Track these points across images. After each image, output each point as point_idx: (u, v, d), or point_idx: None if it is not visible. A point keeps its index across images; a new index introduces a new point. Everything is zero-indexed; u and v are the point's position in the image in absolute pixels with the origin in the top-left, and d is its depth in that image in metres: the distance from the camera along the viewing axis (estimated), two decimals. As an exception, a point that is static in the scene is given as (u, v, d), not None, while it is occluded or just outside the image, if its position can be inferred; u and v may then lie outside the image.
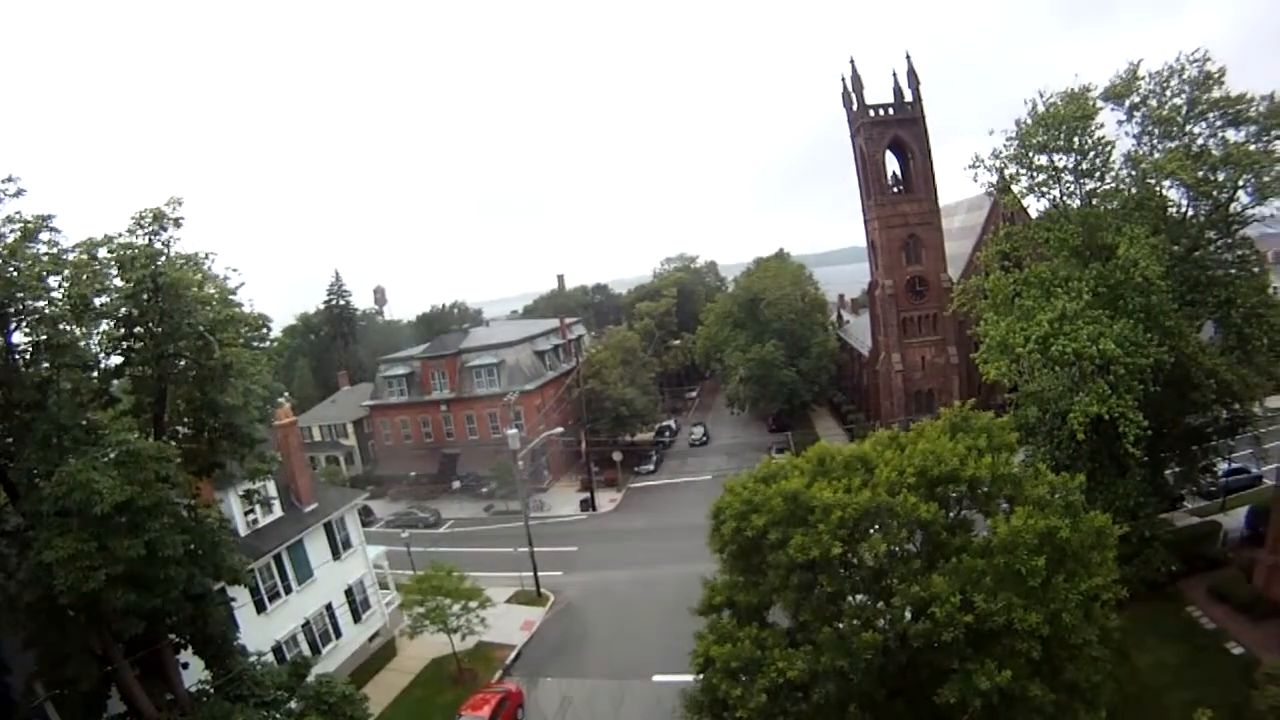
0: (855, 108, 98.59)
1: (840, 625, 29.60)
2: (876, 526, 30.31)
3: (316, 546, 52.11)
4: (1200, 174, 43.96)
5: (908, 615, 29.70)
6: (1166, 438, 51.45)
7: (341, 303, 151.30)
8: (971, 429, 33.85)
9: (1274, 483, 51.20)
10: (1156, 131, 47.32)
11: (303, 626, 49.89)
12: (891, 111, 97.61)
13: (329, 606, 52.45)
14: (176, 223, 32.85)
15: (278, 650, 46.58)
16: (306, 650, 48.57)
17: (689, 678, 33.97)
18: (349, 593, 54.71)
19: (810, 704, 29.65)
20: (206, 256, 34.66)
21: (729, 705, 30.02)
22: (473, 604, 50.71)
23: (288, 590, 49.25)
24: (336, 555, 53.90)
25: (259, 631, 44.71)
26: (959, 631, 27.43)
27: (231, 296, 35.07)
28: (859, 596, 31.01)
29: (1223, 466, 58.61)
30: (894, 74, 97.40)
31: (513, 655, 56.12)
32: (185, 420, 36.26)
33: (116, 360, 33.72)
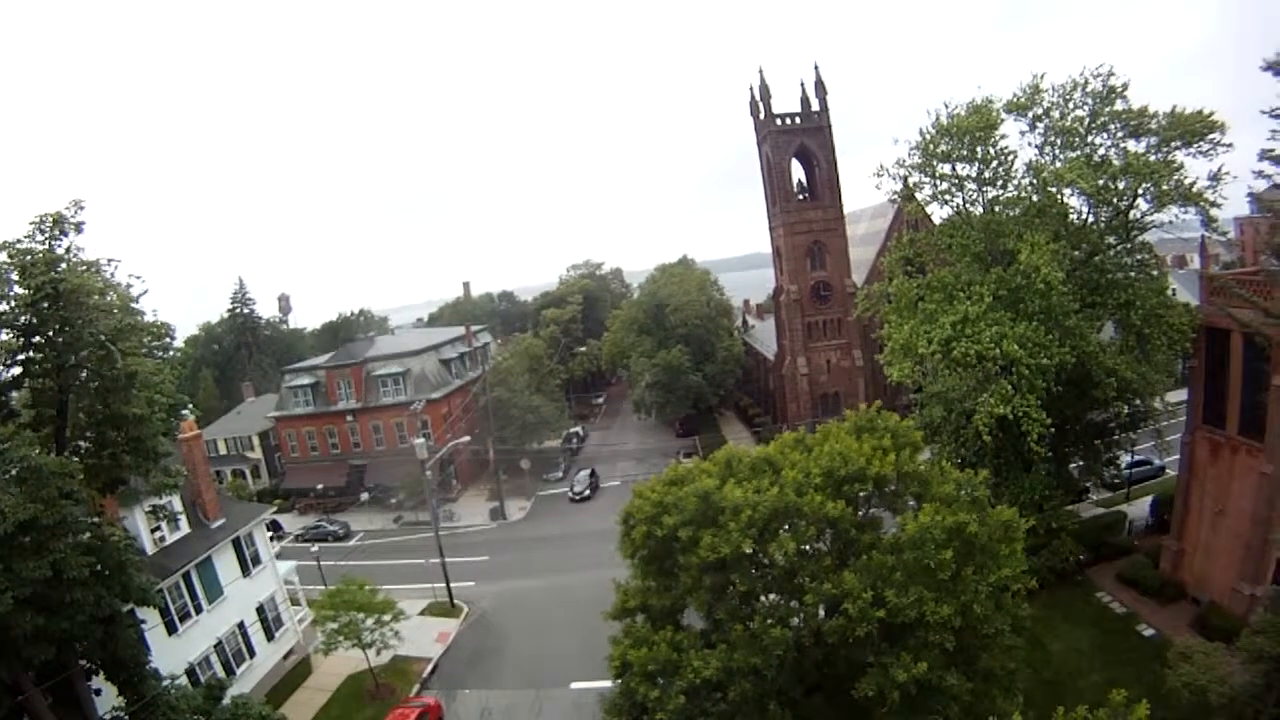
0: (763, 116, 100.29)
1: (753, 624, 29.71)
2: (786, 526, 30.60)
3: (226, 564, 50.42)
4: (1100, 183, 45.38)
5: (821, 612, 30.17)
6: (1070, 434, 53.34)
7: (245, 311, 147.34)
8: (877, 429, 34.46)
9: (1176, 473, 52.92)
10: (1058, 142, 48.95)
11: (215, 647, 48.21)
12: (798, 120, 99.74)
13: (241, 625, 50.85)
14: (78, 227, 31.77)
15: (191, 672, 45.12)
16: (221, 672, 47.36)
17: (607, 683, 33.85)
18: (261, 610, 52.99)
19: (728, 703, 29.58)
20: (109, 262, 33.59)
21: (648, 708, 29.84)
22: (386, 617, 49.88)
23: (198, 610, 47.51)
24: (246, 572, 52.18)
25: (171, 653, 43.04)
26: (872, 626, 27.83)
27: (133, 304, 34.07)
28: (771, 596, 31.29)
29: (1126, 459, 60.91)
30: (802, 84, 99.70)
31: (429, 668, 55.32)
32: (88, 434, 34.95)
33: (15, 372, 32.45)
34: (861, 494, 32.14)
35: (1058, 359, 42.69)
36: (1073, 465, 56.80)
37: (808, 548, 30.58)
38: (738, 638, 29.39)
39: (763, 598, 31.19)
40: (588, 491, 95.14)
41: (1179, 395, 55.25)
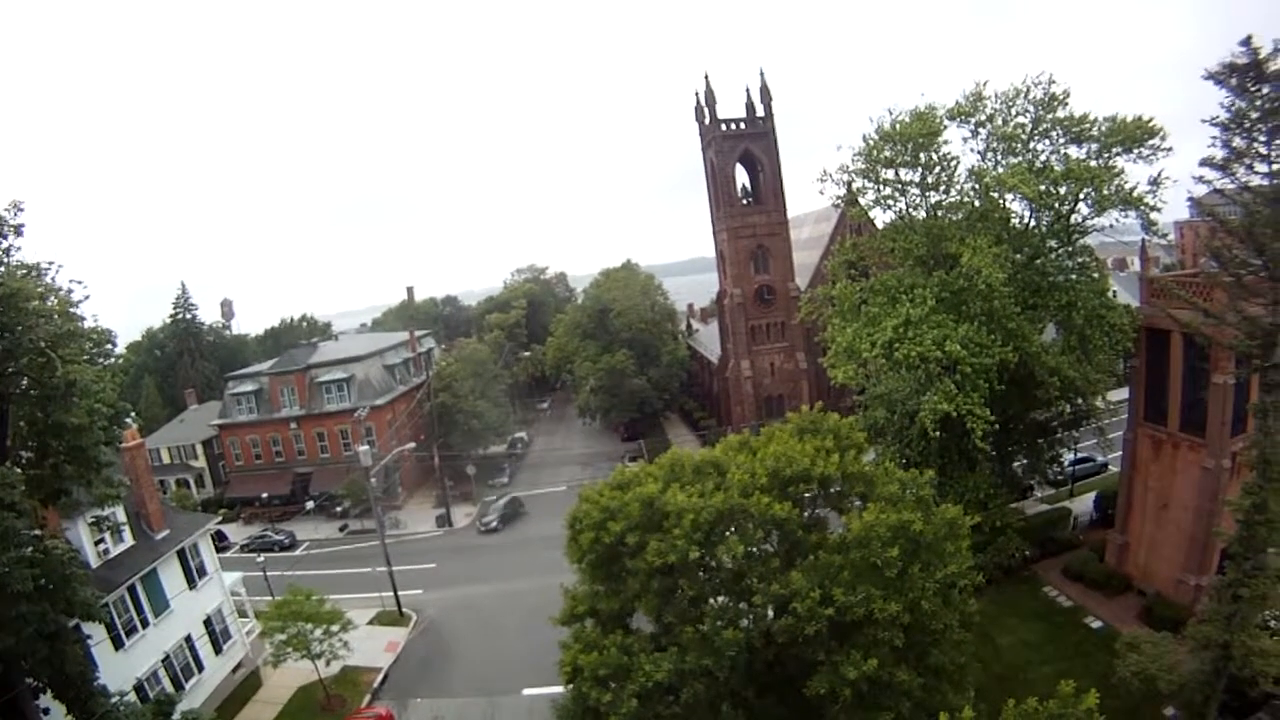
0: (708, 122, 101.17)
1: (703, 626, 29.77)
2: (733, 529, 30.67)
3: (171, 576, 49.26)
4: (1042, 188, 46.47)
5: (770, 613, 30.34)
6: (1014, 432, 54.26)
7: (188, 316, 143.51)
8: (821, 431, 34.76)
9: (1119, 469, 54.05)
10: (1000, 148, 49.91)
11: (163, 662, 47.14)
12: (743, 126, 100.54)
13: (189, 639, 49.79)
14: (17, 230, 31.05)
15: (140, 688, 43.96)
16: (169, 687, 46.45)
17: (559, 689, 33.64)
18: (208, 623, 51.94)
19: (681, 705, 29.69)
20: (49, 266, 32.94)
21: (600, 713, 29.76)
22: (334, 628, 49.07)
23: (145, 624, 46.33)
24: (192, 584, 51.13)
25: (119, 669, 41.89)
26: (822, 625, 27.95)
27: (74, 310, 33.41)
28: (720, 598, 31.32)
29: (1069, 457, 62.15)
30: (747, 90, 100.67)
31: (380, 678, 54.59)
32: (29, 443, 34.20)
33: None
34: (807, 495, 32.44)
35: (999, 358, 43.53)
36: (1017, 464, 58.08)
37: (755, 549, 30.72)
38: (688, 640, 29.42)
39: (712, 600, 31.22)
40: (496, 523, 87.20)
41: (1120, 394, 56.39)
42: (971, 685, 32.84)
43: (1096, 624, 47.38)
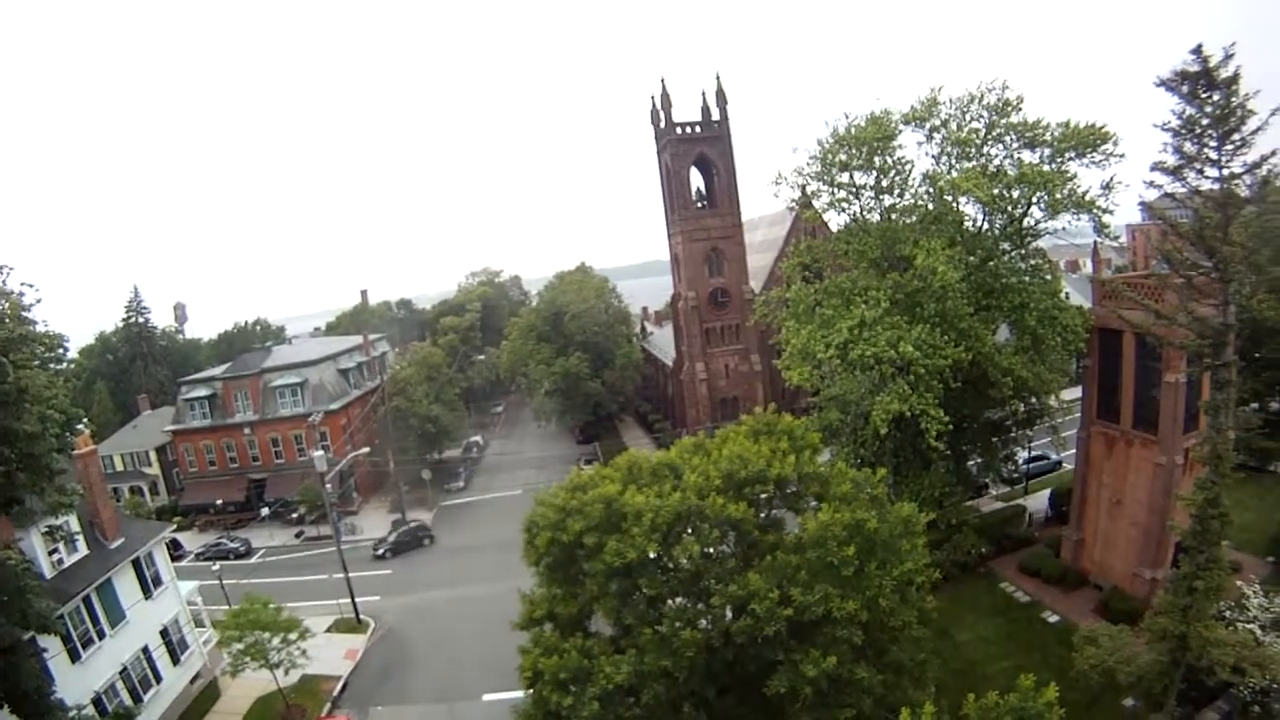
0: (663, 125, 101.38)
1: (662, 628, 29.91)
2: (689, 529, 30.85)
3: (126, 586, 48.26)
4: (996, 191, 47.13)
5: (728, 613, 30.38)
6: (968, 432, 55.02)
7: (141, 320, 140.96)
8: (775, 432, 35.18)
9: (1073, 467, 55.07)
10: (955, 152, 50.61)
11: (121, 674, 46.13)
12: (699, 129, 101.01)
13: (146, 650, 48.78)
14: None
15: (98, 701, 43.27)
16: (128, 699, 45.84)
17: (519, 693, 33.37)
18: (165, 633, 50.92)
19: (642, 707, 29.67)
20: (0, 269, 32.34)
21: (562, 717, 29.67)
22: (292, 636, 48.35)
23: (101, 635, 45.30)
24: (148, 594, 50.10)
25: (76, 682, 41.23)
26: (780, 625, 28.16)
27: (25, 314, 32.78)
28: (678, 599, 31.37)
29: (1023, 455, 62.94)
30: (703, 94, 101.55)
31: (339, 686, 54.00)
32: (-20, 451, 33.43)
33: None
34: (763, 495, 32.61)
35: (953, 358, 44.10)
36: (971, 462, 58.83)
37: (712, 550, 30.85)
38: (648, 642, 29.44)
39: (670, 601, 31.28)
40: (386, 552, 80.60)
41: (1073, 393, 57.40)
42: (931, 681, 33.40)
43: (1054, 618, 48.23)
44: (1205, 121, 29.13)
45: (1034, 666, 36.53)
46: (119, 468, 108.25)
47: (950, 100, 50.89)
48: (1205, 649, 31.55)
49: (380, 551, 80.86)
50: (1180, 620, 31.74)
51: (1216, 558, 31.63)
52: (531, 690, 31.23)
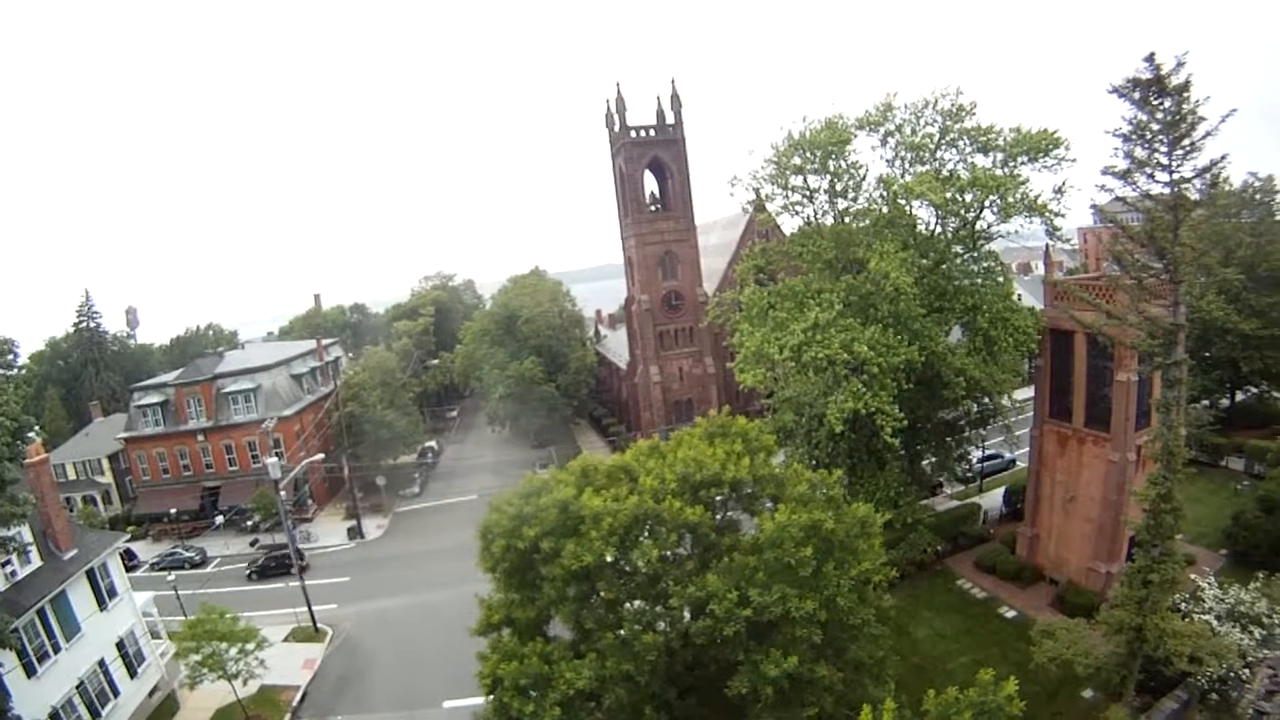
0: (617, 128, 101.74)
1: (622, 631, 29.96)
2: (646, 532, 30.94)
3: (81, 598, 47.09)
4: (949, 195, 47.71)
5: (687, 615, 30.61)
6: (922, 432, 55.86)
7: (92, 325, 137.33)
8: (730, 434, 35.32)
9: (1026, 465, 56.20)
10: (909, 156, 51.35)
11: (78, 688, 44.99)
12: (653, 133, 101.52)
13: (102, 663, 47.64)
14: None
15: (55, 717, 42.35)
16: (85, 715, 44.90)
17: (480, 700, 33.21)
18: (121, 646, 49.76)
19: (604, 711, 29.82)
20: None
21: (524, 722, 29.80)
22: (249, 646, 47.62)
23: (57, 649, 44.18)
24: (103, 605, 48.87)
25: (32, 698, 40.43)
26: (740, 625, 28.38)
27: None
28: (637, 602, 31.42)
29: (977, 454, 63.88)
30: (658, 98, 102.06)
31: (299, 696, 53.23)
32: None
33: None
34: (718, 498, 32.89)
35: (906, 358, 44.64)
36: (926, 462, 59.59)
37: (669, 553, 31.11)
38: (608, 645, 29.51)
39: (628, 604, 31.35)
40: (253, 572, 77.63)
41: (1026, 393, 58.45)
42: (891, 677, 33.73)
43: (1011, 613, 49.21)
44: (1156, 127, 29.98)
45: (993, 661, 37.33)
46: (71, 476, 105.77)
47: (906, 105, 51.65)
48: (1162, 640, 32.44)
49: (249, 572, 78.57)
50: (1136, 612, 32.64)
51: (1170, 551, 32.55)
52: (491, 696, 31.09)
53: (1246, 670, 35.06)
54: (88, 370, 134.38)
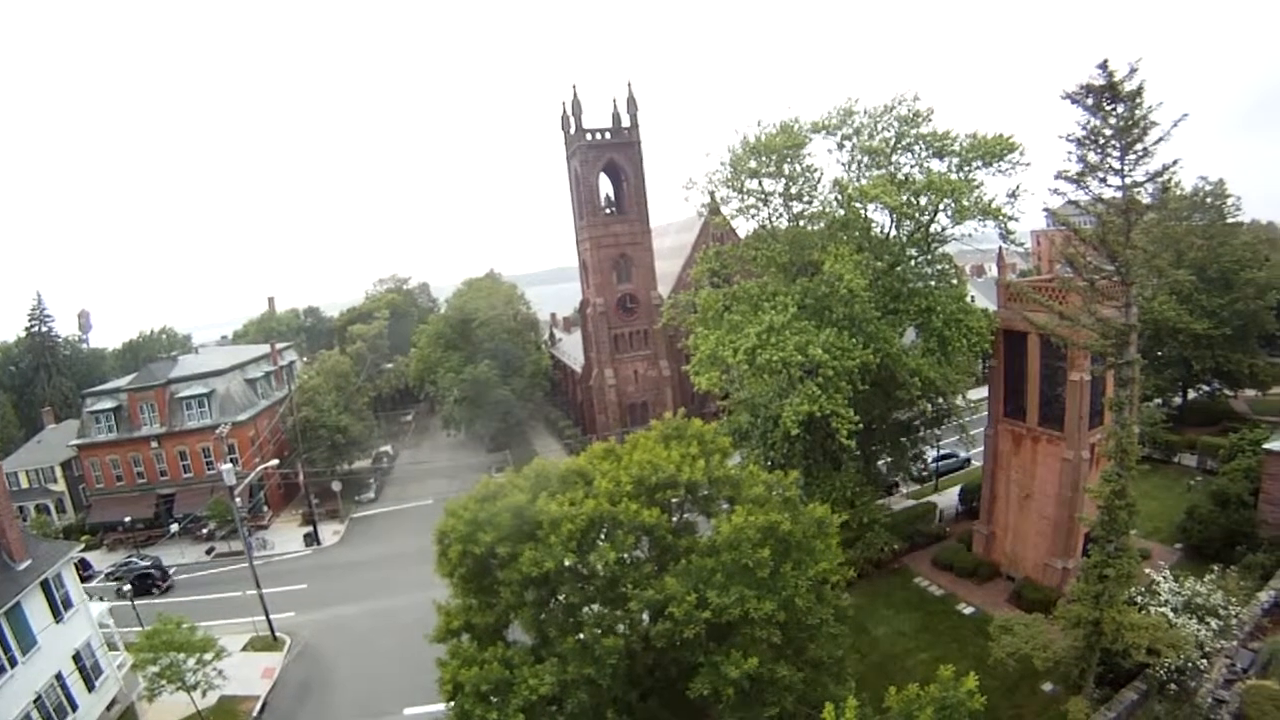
0: (573, 131, 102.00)
1: (583, 635, 30.15)
2: (604, 535, 31.18)
3: (36, 609, 46.08)
4: (904, 198, 48.48)
5: (646, 618, 30.95)
6: (877, 432, 56.70)
7: (44, 329, 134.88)
8: (685, 437, 35.62)
9: (981, 464, 57.03)
10: (865, 160, 52.02)
11: (35, 703, 44.02)
12: (609, 136, 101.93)
13: (60, 676, 46.68)
14: None
15: (13, 733, 41.40)
16: (45, 730, 43.85)
17: (441, 706, 33.31)
18: (78, 658, 48.76)
19: (566, 715, 29.97)
20: None
21: (485, 728, 29.74)
22: (208, 656, 46.96)
23: (13, 663, 43.24)
24: (58, 617, 47.88)
25: (-12, 714, 39.41)
26: (699, 627, 28.69)
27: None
28: (596, 606, 31.67)
29: (932, 453, 64.72)
30: (614, 101, 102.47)
31: (259, 706, 52.38)
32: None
33: None
34: (674, 500, 33.21)
35: (861, 360, 45.10)
36: (881, 462, 60.44)
37: (626, 556, 31.22)
38: (569, 650, 29.58)
39: (588, 609, 31.59)
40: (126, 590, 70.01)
41: (980, 393, 59.37)
42: (851, 676, 34.42)
43: (969, 610, 49.95)
44: (1109, 133, 30.60)
45: (952, 657, 37.88)
46: (24, 484, 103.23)
47: (864, 111, 52.30)
48: (1120, 633, 33.19)
49: (122, 589, 75.66)
50: (1093, 606, 33.38)
51: (1125, 546, 33.35)
52: (453, 703, 30.92)
53: (1204, 660, 35.81)
54: (40, 375, 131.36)
